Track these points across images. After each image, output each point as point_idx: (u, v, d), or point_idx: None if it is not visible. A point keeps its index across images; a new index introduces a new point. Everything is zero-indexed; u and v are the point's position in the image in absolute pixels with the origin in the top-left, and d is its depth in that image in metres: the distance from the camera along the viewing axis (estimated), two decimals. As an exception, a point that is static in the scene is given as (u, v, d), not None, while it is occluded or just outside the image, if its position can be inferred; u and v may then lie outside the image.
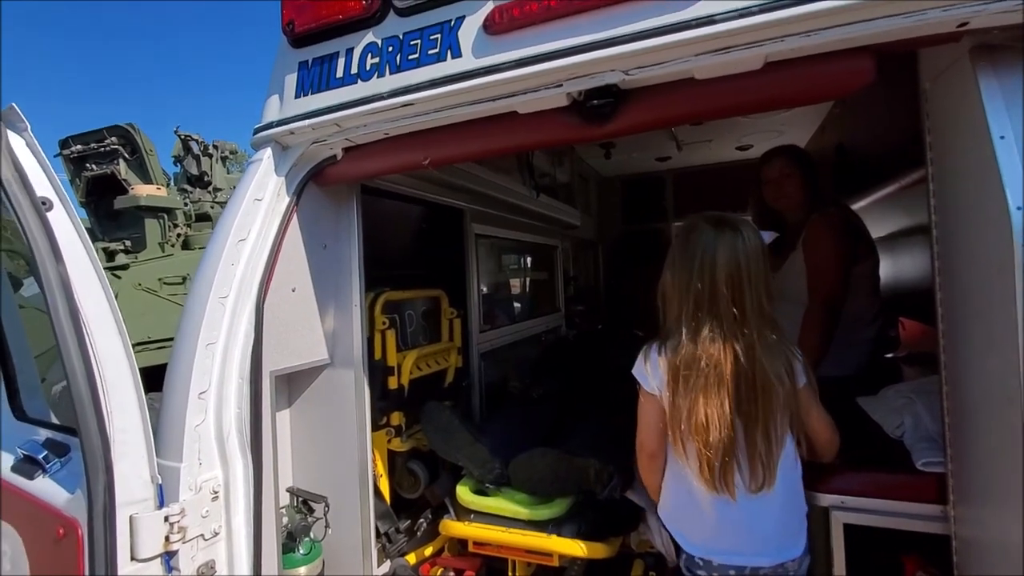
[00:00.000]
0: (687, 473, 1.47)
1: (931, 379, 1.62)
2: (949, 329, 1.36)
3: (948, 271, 1.35)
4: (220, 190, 8.34)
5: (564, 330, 4.38)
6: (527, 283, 4.08)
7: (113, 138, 6.57)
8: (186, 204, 7.33)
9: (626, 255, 5.74)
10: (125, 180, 6.43)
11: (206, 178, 8.24)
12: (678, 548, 1.60)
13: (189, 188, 8.02)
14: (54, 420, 1.97)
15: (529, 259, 4.14)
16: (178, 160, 8.38)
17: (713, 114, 1.41)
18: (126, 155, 6.62)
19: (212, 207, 7.62)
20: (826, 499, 1.56)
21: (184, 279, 5.19)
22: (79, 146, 6.76)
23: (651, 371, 1.50)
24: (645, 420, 1.53)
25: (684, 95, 1.32)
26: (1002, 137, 1.08)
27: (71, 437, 1.73)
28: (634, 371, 1.56)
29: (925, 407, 1.66)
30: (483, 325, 3.02)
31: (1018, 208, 1.03)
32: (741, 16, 1.15)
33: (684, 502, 1.52)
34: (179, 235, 6.29)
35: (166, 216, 6.28)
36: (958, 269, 1.29)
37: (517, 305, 3.79)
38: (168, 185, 7.35)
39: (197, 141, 8.21)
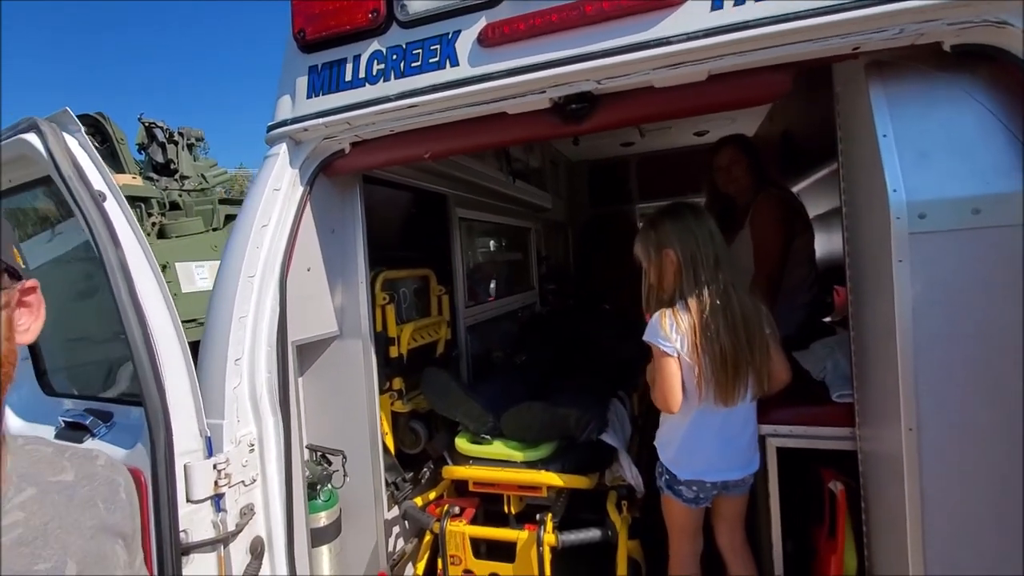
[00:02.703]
0: (702, 410, 1.80)
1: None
2: (854, 286, 1.72)
3: (853, 240, 1.70)
4: (188, 178, 8.22)
5: (538, 307, 4.69)
6: (505, 263, 4.36)
7: (74, 116, 6.31)
8: (164, 190, 7.24)
9: (595, 236, 6.04)
10: (97, 169, 6.25)
11: (172, 166, 8.10)
12: (658, 476, 1.94)
13: (155, 176, 7.88)
14: (75, 393, 2.16)
15: (506, 241, 4.42)
16: (143, 148, 8.21)
17: (669, 116, 1.71)
18: (96, 144, 6.44)
19: (180, 195, 7.54)
20: (763, 429, 1.92)
21: (164, 267, 5.22)
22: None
23: (673, 334, 1.76)
24: (669, 378, 1.76)
25: (646, 100, 1.61)
26: (884, 135, 1.41)
27: (112, 404, 1.94)
28: (649, 338, 1.81)
29: (843, 354, 2.03)
30: (468, 301, 3.29)
31: (894, 190, 1.36)
32: (689, 39, 1.45)
33: (693, 439, 1.85)
34: (154, 224, 6.26)
35: (143, 205, 6.23)
36: (859, 238, 1.64)
37: (496, 283, 4.07)
38: (139, 174, 7.24)
39: (162, 128, 8.02)
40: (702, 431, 1.80)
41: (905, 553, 1.40)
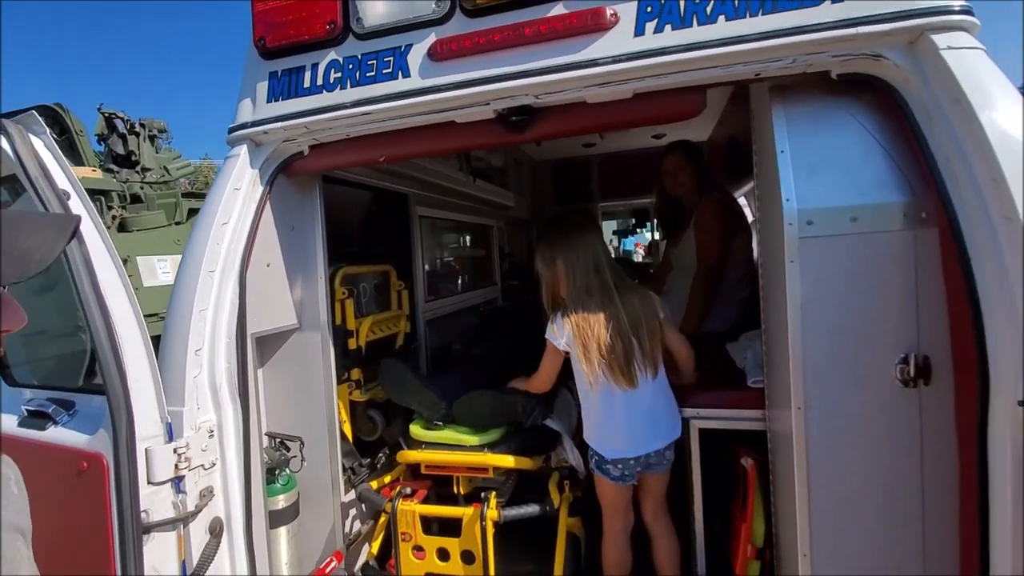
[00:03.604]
0: (604, 393, 2.01)
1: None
2: (764, 283, 1.92)
3: (763, 243, 1.91)
4: (150, 170, 8.04)
5: (500, 301, 4.85)
6: (466, 259, 4.50)
7: (40, 119, 6.18)
8: (125, 182, 7.08)
9: (557, 233, 6.19)
10: (54, 161, 6.12)
11: (133, 157, 7.91)
12: (590, 459, 2.14)
13: (116, 168, 7.70)
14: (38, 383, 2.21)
15: (468, 238, 4.55)
16: (102, 139, 8.01)
17: (601, 128, 1.88)
18: (54, 136, 6.26)
19: (142, 188, 7.40)
20: (687, 412, 2.12)
21: (125, 261, 5.16)
22: None
23: (559, 331, 2.07)
24: (549, 368, 2.17)
25: (580, 114, 1.78)
26: (782, 151, 1.61)
27: (74, 394, 2.01)
28: (547, 335, 2.13)
29: (760, 344, 2.24)
30: (427, 296, 3.42)
31: (787, 200, 1.56)
32: (615, 62, 1.62)
33: (605, 420, 2.07)
34: (114, 217, 6.13)
35: (102, 199, 6.11)
36: (767, 241, 1.85)
37: (457, 279, 4.21)
38: (99, 166, 7.08)
39: (122, 119, 7.83)
40: (615, 411, 2.01)
41: (794, 517, 1.61)
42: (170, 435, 1.79)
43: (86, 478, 1.76)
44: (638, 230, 9.47)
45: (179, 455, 1.79)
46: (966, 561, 1.45)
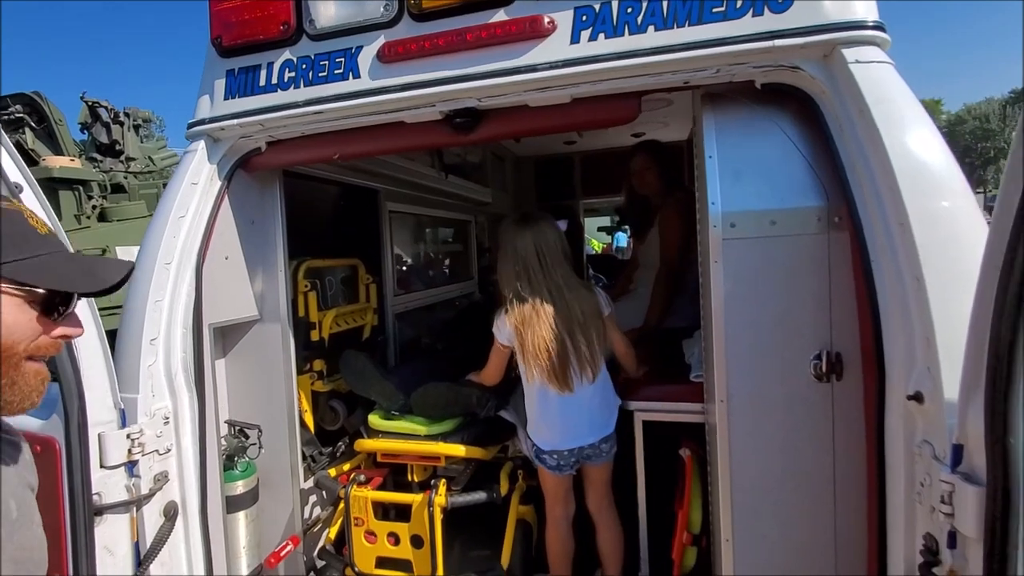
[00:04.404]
0: (540, 390, 2.09)
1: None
2: (701, 283, 2.00)
3: (700, 243, 1.98)
4: (134, 159, 8.03)
5: (477, 295, 4.91)
6: (441, 254, 4.56)
7: (18, 106, 6.24)
8: (108, 171, 7.07)
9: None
10: (33, 150, 6.15)
11: (117, 147, 7.89)
12: (531, 448, 2.23)
13: (99, 157, 7.67)
14: None
15: (442, 232, 4.61)
16: (86, 128, 7.99)
17: (545, 131, 1.95)
18: (32, 124, 6.30)
19: (126, 177, 7.39)
20: (632, 405, 2.21)
21: (104, 251, 5.18)
22: (-21, 114, 6.32)
23: (501, 328, 2.16)
24: (496, 361, 2.27)
25: (523, 117, 1.85)
26: (710, 156, 1.68)
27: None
28: (493, 330, 2.22)
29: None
30: (397, 290, 3.48)
31: (712, 203, 1.64)
32: (552, 68, 1.68)
33: (541, 414, 2.13)
34: (95, 207, 6.13)
35: (81, 188, 6.11)
36: (701, 242, 1.92)
37: (430, 273, 4.27)
38: (80, 155, 7.07)
39: (106, 108, 7.80)
40: (550, 407, 2.10)
41: (718, 502, 1.70)
42: (123, 421, 1.85)
43: (39, 461, 1.81)
44: (623, 228, 9.56)
45: (132, 440, 1.85)
46: (873, 550, 1.54)
